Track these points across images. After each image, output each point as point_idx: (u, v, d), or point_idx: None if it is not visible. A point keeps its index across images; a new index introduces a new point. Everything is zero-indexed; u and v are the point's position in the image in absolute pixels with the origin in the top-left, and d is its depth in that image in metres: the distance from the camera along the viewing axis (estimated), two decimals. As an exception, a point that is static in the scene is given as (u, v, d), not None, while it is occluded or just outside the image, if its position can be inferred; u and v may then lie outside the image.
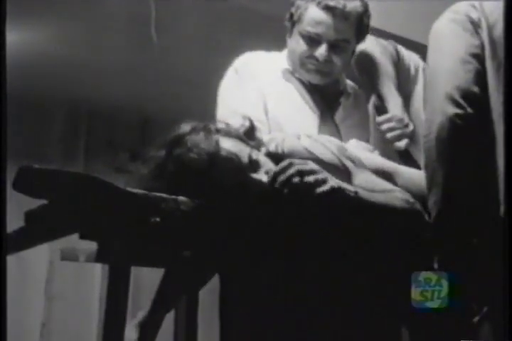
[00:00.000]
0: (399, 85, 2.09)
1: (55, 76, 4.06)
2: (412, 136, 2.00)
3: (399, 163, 1.80)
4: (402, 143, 1.99)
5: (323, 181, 1.46)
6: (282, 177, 1.45)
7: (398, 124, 1.99)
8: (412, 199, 1.57)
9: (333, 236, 1.52)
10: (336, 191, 1.46)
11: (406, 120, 2.01)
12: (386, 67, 2.09)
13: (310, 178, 1.45)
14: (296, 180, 1.45)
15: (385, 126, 2.00)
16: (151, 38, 3.23)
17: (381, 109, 2.04)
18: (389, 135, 2.00)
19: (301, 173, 1.46)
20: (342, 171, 1.58)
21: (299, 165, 1.47)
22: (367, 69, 2.12)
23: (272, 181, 1.46)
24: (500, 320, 1.40)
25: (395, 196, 1.56)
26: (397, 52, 2.15)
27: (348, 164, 1.61)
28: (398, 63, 2.13)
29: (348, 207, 1.49)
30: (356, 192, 1.49)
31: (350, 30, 2.01)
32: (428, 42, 1.67)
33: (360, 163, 1.64)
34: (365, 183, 1.57)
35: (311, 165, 1.48)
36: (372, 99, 2.15)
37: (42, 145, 4.55)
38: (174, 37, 3.51)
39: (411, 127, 2.00)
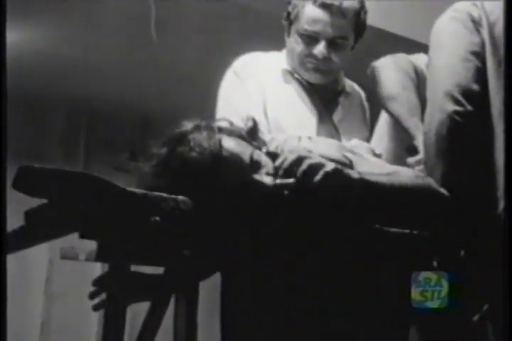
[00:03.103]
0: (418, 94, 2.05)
1: (55, 76, 4.06)
2: None
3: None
4: None
5: (325, 164, 1.43)
6: (285, 165, 1.44)
7: None
8: (422, 174, 1.56)
9: (333, 236, 1.52)
10: (338, 172, 1.43)
11: None
12: (410, 101, 2.00)
13: (312, 160, 1.43)
14: (297, 166, 1.42)
15: (416, 169, 1.90)
16: (151, 38, 3.23)
17: (412, 149, 1.97)
18: None
19: (302, 158, 1.44)
20: (346, 165, 1.56)
21: (299, 152, 1.46)
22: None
23: (276, 171, 1.45)
24: (500, 319, 1.40)
25: (403, 175, 1.55)
26: (415, 70, 2.08)
27: (351, 156, 1.59)
28: (418, 82, 2.06)
29: (355, 192, 1.45)
30: (360, 173, 1.46)
31: (348, 27, 2.01)
32: (429, 41, 1.67)
33: (362, 155, 1.63)
34: (370, 169, 1.54)
35: (310, 153, 1.47)
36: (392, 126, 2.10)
37: (42, 145, 4.56)
38: (174, 37, 3.51)
39: None
